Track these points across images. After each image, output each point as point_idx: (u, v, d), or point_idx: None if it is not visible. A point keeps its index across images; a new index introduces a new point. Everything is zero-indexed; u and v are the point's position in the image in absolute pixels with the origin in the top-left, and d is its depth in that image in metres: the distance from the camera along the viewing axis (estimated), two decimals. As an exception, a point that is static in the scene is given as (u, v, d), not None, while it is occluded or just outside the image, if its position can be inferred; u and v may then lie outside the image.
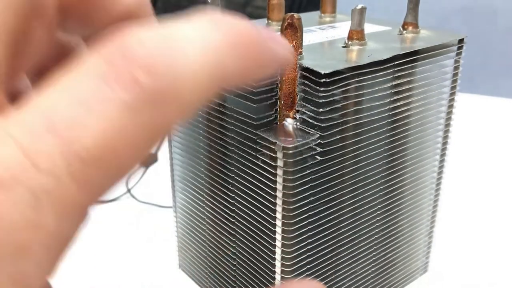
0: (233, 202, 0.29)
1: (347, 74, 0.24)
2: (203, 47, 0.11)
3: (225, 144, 0.28)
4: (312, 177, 0.25)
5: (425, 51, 0.28)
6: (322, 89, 0.23)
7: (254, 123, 0.25)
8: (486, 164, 0.69)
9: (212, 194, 0.31)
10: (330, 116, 0.24)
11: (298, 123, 0.25)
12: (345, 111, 0.25)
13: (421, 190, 0.33)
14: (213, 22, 0.12)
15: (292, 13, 0.24)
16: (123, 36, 0.11)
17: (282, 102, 0.25)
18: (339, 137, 0.25)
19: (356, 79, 0.25)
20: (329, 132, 0.24)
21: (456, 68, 0.30)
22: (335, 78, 0.24)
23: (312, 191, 0.25)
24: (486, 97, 0.91)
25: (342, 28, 0.31)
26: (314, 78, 0.23)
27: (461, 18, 1.38)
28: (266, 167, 0.25)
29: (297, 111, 0.25)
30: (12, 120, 0.10)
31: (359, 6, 0.27)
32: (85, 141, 0.10)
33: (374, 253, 0.31)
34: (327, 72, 0.23)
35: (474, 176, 0.64)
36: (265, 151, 0.25)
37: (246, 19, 0.13)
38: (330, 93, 0.24)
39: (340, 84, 0.24)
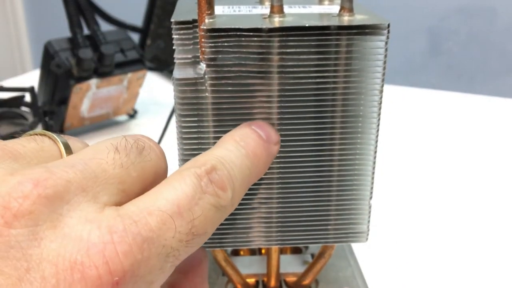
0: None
1: (224, 33, 0.32)
2: (241, 173, 0.27)
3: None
4: (203, 108, 0.34)
5: (308, 29, 0.32)
6: (205, 40, 0.32)
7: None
8: (486, 165, 0.69)
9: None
10: (214, 63, 0.33)
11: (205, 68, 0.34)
12: (226, 68, 0.33)
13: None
14: (242, 147, 0.29)
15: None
16: (209, 165, 0.26)
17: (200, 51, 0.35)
18: (227, 85, 0.33)
19: (235, 39, 0.32)
20: (215, 75, 0.33)
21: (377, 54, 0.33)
22: (215, 34, 0.32)
23: (202, 124, 0.34)
24: (486, 97, 0.88)
25: (315, 8, 0.37)
26: (203, 34, 0.32)
27: (460, 18, 1.41)
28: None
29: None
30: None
31: (280, -16, 0.33)
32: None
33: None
34: (208, 28, 0.32)
35: (474, 177, 0.65)
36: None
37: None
38: (210, 45, 0.32)
39: (219, 40, 0.32)
